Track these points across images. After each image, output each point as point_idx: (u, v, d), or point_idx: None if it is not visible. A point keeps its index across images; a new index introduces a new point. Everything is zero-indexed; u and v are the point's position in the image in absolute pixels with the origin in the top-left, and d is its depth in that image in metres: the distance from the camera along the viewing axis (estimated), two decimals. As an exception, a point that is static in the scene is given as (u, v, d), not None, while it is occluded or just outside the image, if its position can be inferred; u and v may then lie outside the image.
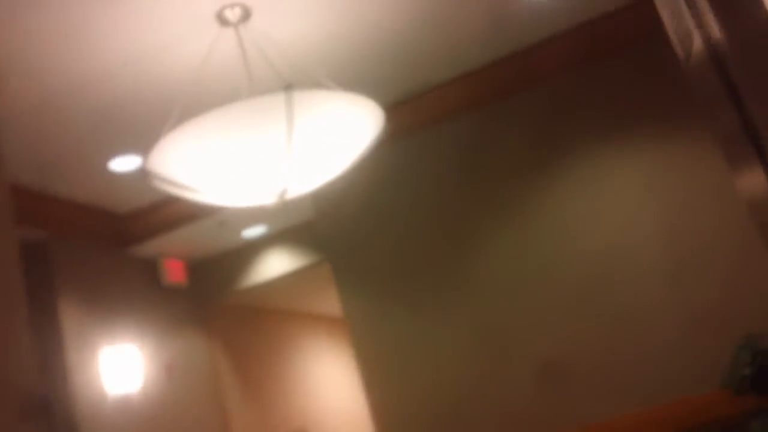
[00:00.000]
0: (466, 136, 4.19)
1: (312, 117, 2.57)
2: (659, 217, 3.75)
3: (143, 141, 3.67)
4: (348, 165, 2.77)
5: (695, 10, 0.95)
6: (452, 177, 4.18)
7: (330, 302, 5.17)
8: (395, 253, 4.24)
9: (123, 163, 4.03)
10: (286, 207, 2.95)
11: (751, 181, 0.92)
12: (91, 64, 3.10)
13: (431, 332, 4.09)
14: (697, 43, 0.99)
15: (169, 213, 4.71)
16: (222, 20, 3.00)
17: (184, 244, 5.11)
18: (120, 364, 4.33)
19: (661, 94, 3.80)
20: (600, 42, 3.95)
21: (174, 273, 5.25)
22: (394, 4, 3.27)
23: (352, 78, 3.67)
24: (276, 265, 5.49)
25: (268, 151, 2.56)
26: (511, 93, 4.12)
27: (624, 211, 3.82)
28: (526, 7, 3.62)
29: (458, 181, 4.16)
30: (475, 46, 3.87)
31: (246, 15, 3.00)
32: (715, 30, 0.87)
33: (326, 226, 4.47)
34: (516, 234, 4.00)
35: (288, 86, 2.42)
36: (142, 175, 2.76)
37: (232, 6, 2.95)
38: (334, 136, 2.66)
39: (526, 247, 3.96)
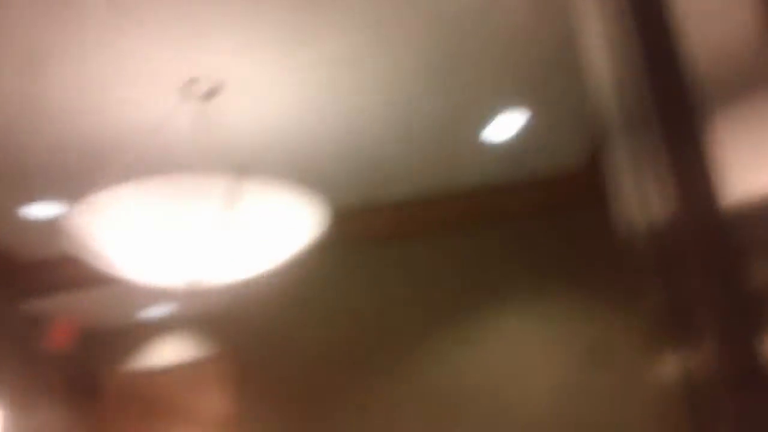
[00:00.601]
0: (414, 259, 4.16)
1: (254, 205, 2.46)
2: (560, 374, 3.77)
3: (70, 192, 3.48)
4: (276, 264, 2.64)
5: (643, 184, 0.94)
6: (390, 296, 4.11)
7: (224, 400, 4.87)
8: (302, 364, 4.07)
9: (36, 210, 3.79)
10: (196, 293, 2.77)
11: (666, 363, 0.89)
12: (34, 105, 2.95)
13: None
14: (642, 216, 0.98)
15: (71, 274, 4.43)
16: (187, 92, 2.92)
17: (79, 308, 4.79)
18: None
19: (589, 258, 3.91)
20: (541, 199, 4.05)
21: (61, 336, 4.89)
22: (366, 112, 3.26)
23: (306, 176, 3.60)
24: (172, 351, 5.19)
25: (197, 233, 2.42)
26: (448, 230, 4.14)
27: (528, 365, 3.82)
28: (485, 152, 3.68)
29: (394, 301, 4.10)
30: (429, 177, 3.89)
31: (213, 91, 2.93)
32: (662, 205, 0.86)
33: (235, 318, 4.27)
34: (422, 372, 3.94)
35: (236, 169, 2.32)
36: (53, 225, 2.57)
37: (201, 79, 2.88)
38: (271, 229, 2.55)
39: (429, 387, 3.91)
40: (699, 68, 0.67)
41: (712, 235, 0.72)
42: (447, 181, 3.99)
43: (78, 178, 3.23)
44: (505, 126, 3.48)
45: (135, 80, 2.86)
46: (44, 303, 4.54)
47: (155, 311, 5.00)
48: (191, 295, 2.72)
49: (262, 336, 4.21)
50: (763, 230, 0.59)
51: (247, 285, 2.78)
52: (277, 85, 2.96)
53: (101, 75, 2.81)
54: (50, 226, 3.86)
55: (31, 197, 3.67)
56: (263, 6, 2.56)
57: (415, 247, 4.19)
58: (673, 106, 0.79)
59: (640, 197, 1.01)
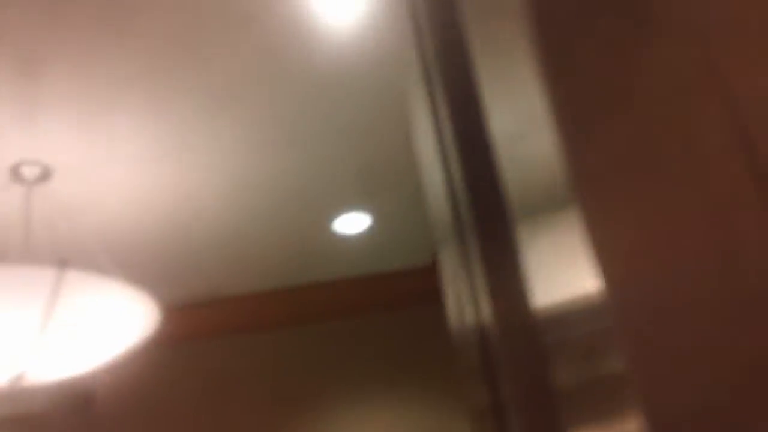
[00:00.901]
0: (244, 355, 4.04)
1: (79, 300, 2.33)
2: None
3: None
4: (106, 360, 2.50)
5: (467, 289, 1.01)
6: (217, 395, 3.95)
7: None
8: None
9: None
10: (17, 389, 2.56)
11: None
12: None
13: None
14: (468, 318, 1.04)
15: None
16: (16, 176, 2.77)
17: None
18: None
19: (433, 353, 3.99)
20: (389, 294, 4.11)
21: None
22: (202, 201, 3.22)
23: (140, 269, 3.47)
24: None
25: (19, 326, 2.26)
26: (297, 321, 4.09)
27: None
28: (332, 245, 3.71)
29: (224, 403, 3.93)
30: (274, 268, 3.86)
31: (45, 175, 2.80)
32: (484, 311, 0.92)
33: (62, 420, 3.94)
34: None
35: (62, 261, 2.21)
36: None
37: (31, 164, 2.75)
38: (98, 326, 2.42)
39: None
40: (509, 185, 0.73)
41: (522, 338, 0.77)
42: (297, 273, 3.99)
43: None
44: (353, 222, 3.55)
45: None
46: None
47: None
48: (13, 393, 2.51)
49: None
50: (565, 332, 0.64)
51: (75, 383, 2.61)
52: (109, 172, 2.89)
53: None
54: None
55: None
56: (93, 89, 2.52)
57: (261, 340, 4.10)
58: (490, 218, 0.85)
59: (464, 302, 1.06)
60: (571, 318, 0.60)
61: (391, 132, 2.93)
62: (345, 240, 3.67)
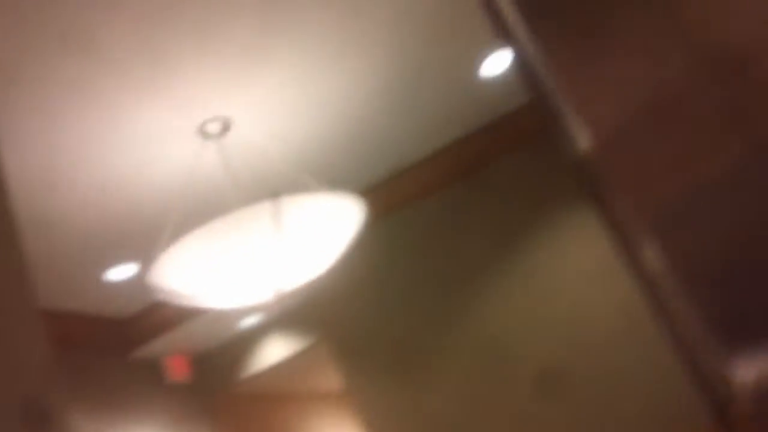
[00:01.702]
0: (443, 212, 4.41)
1: (298, 217, 2.75)
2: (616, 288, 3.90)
3: (139, 250, 3.85)
4: (336, 256, 2.94)
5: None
6: (432, 252, 4.39)
7: (334, 379, 5.28)
8: (387, 326, 4.41)
9: (120, 272, 4.19)
10: (280, 301, 3.10)
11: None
12: (86, 184, 3.29)
13: (424, 401, 4.25)
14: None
15: (167, 314, 4.84)
16: (204, 134, 3.21)
17: (183, 341, 5.22)
18: (134, 469, 4.39)
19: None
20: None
21: (177, 370, 5.34)
22: (356, 95, 3.50)
23: (328, 170, 3.89)
24: (275, 350, 5.59)
25: (261, 254, 2.74)
26: (481, 168, 4.35)
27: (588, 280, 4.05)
28: (483, 86, 3.87)
29: (437, 256, 4.37)
30: (437, 127, 4.11)
31: (226, 127, 3.21)
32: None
33: (319, 308, 4.63)
34: (493, 305, 4.22)
35: (273, 193, 2.61)
36: (139, 282, 2.92)
37: (212, 120, 3.16)
38: (320, 232, 2.85)
39: (503, 317, 4.20)
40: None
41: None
42: (448, 132, 4.21)
43: (143, 238, 3.58)
44: (498, 60, 3.65)
45: (156, 136, 3.16)
46: (154, 346, 4.98)
47: (249, 321, 5.41)
48: (278, 302, 3.06)
49: (343, 317, 4.56)
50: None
51: (316, 282, 3.10)
52: (276, 112, 3.25)
53: (129, 141, 3.13)
54: (133, 284, 4.25)
55: (109, 263, 4.06)
56: (258, 44, 2.81)
57: (437, 202, 4.43)
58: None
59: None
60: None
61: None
62: (489, 82, 3.80)
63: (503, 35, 0.91)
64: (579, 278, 4.05)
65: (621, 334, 3.86)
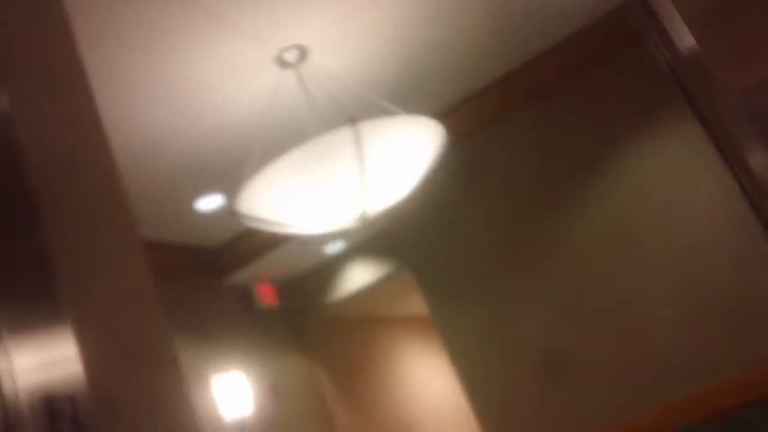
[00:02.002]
0: (527, 130, 4.32)
1: (379, 142, 2.76)
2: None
3: (225, 181, 3.94)
4: (418, 179, 2.95)
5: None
6: (517, 172, 4.32)
7: (418, 304, 5.36)
8: (470, 250, 4.41)
9: (208, 203, 4.32)
10: (365, 226, 3.15)
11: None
12: (170, 118, 3.38)
13: (509, 326, 4.24)
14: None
15: (255, 242, 4.99)
16: (281, 63, 3.22)
17: (271, 267, 5.38)
18: (230, 391, 4.62)
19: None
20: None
21: (266, 296, 5.53)
22: (432, 15, 3.43)
23: (405, 94, 3.85)
24: (359, 276, 5.71)
25: (344, 179, 2.77)
26: (564, 83, 4.22)
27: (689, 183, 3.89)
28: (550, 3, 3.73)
29: (521, 177, 4.30)
30: (508, 47, 4.00)
31: (303, 55, 3.22)
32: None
33: (402, 233, 4.67)
34: (586, 219, 4.12)
35: (352, 119, 2.62)
36: (227, 211, 3.01)
37: (289, 48, 3.17)
38: (401, 155, 2.85)
39: (592, 240, 4.10)
40: None
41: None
42: (534, 45, 4.08)
43: (229, 168, 3.66)
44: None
45: (235, 67, 3.20)
46: (244, 273, 5.16)
47: (334, 247, 5.52)
48: (362, 227, 3.11)
49: (426, 241, 4.58)
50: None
51: (399, 207, 3.12)
52: (352, 38, 3.22)
53: (208, 74, 3.18)
54: (221, 214, 4.38)
55: (198, 194, 4.19)
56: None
57: (522, 120, 4.32)
58: None
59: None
60: None
61: None
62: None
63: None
64: (677, 194, 3.90)
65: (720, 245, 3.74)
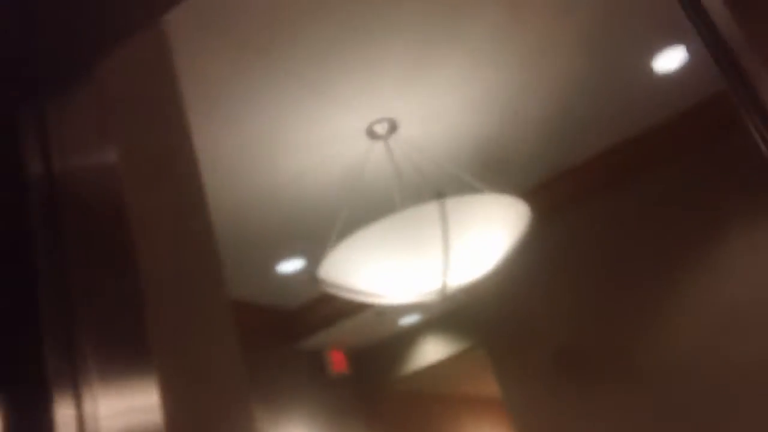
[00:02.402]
0: (612, 212, 4.24)
1: (464, 217, 2.77)
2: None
3: (308, 245, 4.02)
4: (500, 257, 2.93)
5: None
6: (601, 257, 4.23)
7: (490, 384, 5.25)
8: (547, 338, 4.29)
9: (289, 266, 4.39)
10: (444, 300, 3.13)
11: None
12: (263, 180, 3.48)
13: (587, 417, 4.06)
14: None
15: (331, 308, 5.01)
16: (372, 134, 3.30)
17: (345, 335, 5.38)
18: (295, 455, 4.58)
19: None
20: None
21: (338, 363, 5.52)
22: (522, 94, 3.46)
23: (493, 170, 3.86)
24: (432, 350, 5.64)
25: (427, 253, 2.78)
26: (646, 169, 4.14)
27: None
28: (650, 87, 3.70)
29: (608, 261, 4.20)
30: (602, 128, 3.97)
31: (392, 128, 3.29)
32: None
33: (479, 311, 4.60)
34: (678, 313, 3.95)
35: (439, 194, 2.64)
36: (307, 275, 3.05)
37: (380, 121, 3.25)
38: (486, 232, 2.84)
39: (688, 328, 3.90)
40: None
41: None
42: (623, 126, 4.04)
43: (313, 233, 3.73)
44: (670, 59, 3.48)
45: (328, 137, 3.29)
46: (318, 338, 5.18)
47: (409, 319, 5.49)
48: (441, 301, 3.09)
49: (504, 322, 4.49)
50: None
51: (480, 283, 3.10)
52: (441, 113, 3.29)
53: (303, 142, 3.28)
54: (302, 277, 4.44)
55: (280, 256, 4.27)
56: (417, 50, 2.87)
57: (607, 202, 4.23)
58: None
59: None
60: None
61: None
62: (662, 79, 3.62)
63: (698, 22, 0.87)
64: None
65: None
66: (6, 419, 0.90)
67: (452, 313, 5.45)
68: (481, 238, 2.83)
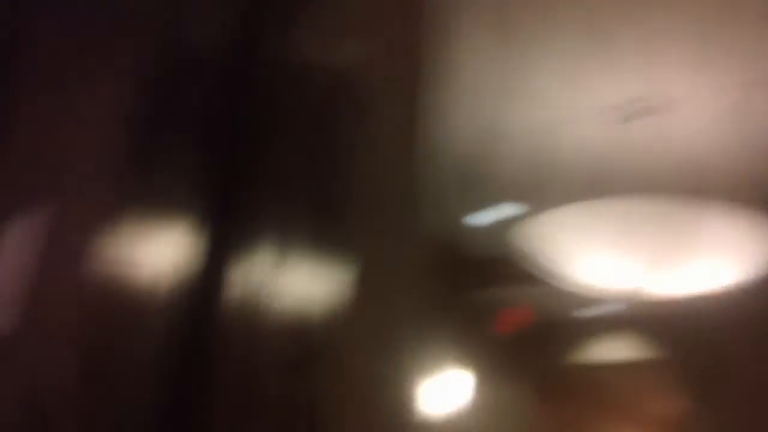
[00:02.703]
0: None
1: (688, 225, 2.47)
2: None
3: (516, 198, 3.83)
4: (727, 285, 2.60)
5: None
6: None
7: (662, 405, 4.87)
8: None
9: (491, 215, 4.21)
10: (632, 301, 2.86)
11: None
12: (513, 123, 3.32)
13: None
14: None
15: (514, 270, 4.78)
16: (628, 111, 3.00)
17: (521, 300, 5.20)
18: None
19: None
20: None
21: (511, 324, 5.35)
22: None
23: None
24: (600, 350, 5.33)
25: (643, 249, 2.52)
26: None
27: None
28: None
29: None
30: None
31: (649, 110, 2.97)
32: None
33: (680, 328, 4.24)
34: None
35: (689, 191, 2.35)
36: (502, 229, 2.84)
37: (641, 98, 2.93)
38: (723, 252, 2.53)
39: None
40: None
41: None
42: None
43: (527, 188, 3.52)
44: None
45: (578, 100, 3.03)
46: (490, 294, 5.03)
47: (593, 310, 5.15)
48: (632, 301, 2.84)
49: (704, 346, 4.09)
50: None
51: (695, 300, 2.78)
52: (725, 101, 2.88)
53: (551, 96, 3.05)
54: (497, 228, 4.26)
55: (486, 203, 4.10)
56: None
57: None
58: None
59: None
60: None
61: None
62: None
63: None
64: None
65: None
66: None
67: (631, 318, 5.02)
68: (718, 254, 2.51)
